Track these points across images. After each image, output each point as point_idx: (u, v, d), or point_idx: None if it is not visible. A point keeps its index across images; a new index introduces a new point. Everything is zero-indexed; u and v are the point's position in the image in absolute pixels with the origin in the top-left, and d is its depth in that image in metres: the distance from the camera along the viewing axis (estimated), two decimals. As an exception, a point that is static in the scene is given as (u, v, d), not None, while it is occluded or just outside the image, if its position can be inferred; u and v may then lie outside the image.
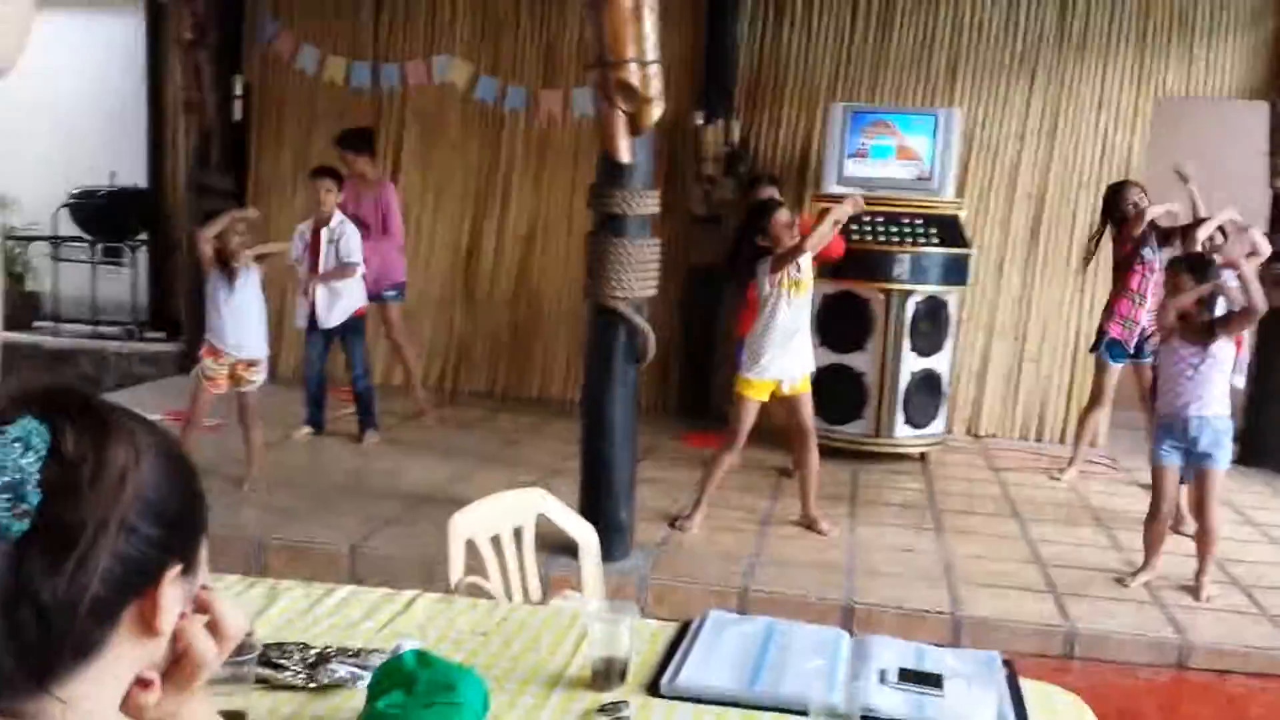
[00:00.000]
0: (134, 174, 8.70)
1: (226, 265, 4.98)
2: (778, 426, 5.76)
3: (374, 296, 6.48)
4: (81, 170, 8.48)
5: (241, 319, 5.02)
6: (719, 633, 2.01)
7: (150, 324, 8.57)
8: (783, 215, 4.82)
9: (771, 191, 6.06)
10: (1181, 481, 4.69)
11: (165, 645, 0.91)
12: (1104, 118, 7.23)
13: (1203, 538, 4.47)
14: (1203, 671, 3.97)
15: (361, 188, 6.47)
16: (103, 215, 8.45)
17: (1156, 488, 4.51)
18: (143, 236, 8.61)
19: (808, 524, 5.03)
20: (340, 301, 5.94)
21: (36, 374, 7.72)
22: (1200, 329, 4.30)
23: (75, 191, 8.42)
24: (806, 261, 4.79)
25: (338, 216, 5.89)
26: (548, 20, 7.63)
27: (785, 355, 4.80)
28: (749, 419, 4.87)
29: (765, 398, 4.88)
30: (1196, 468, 4.43)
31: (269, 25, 7.88)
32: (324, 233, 5.87)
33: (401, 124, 7.78)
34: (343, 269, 5.86)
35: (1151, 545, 4.56)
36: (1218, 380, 4.30)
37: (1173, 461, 4.45)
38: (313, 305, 5.91)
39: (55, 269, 8.65)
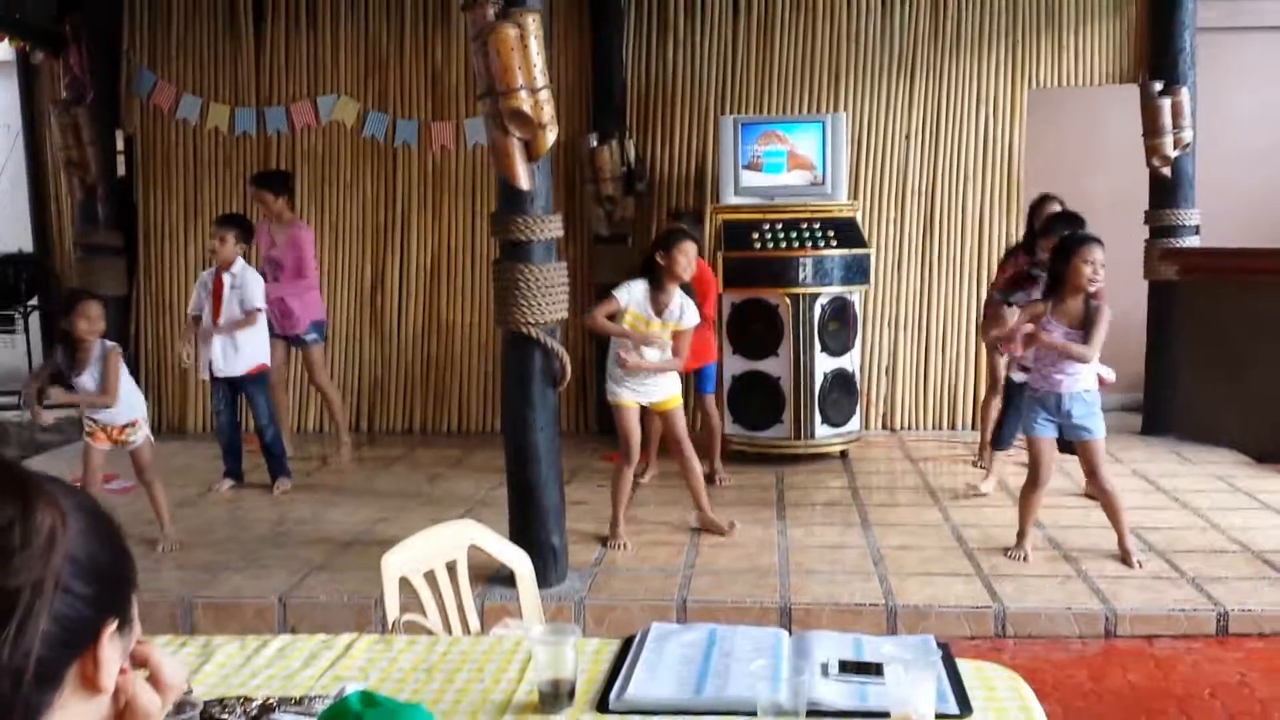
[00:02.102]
0: (18, 238, 8.45)
1: (72, 352, 4.81)
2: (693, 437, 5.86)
3: (294, 339, 6.41)
4: (-38, 239, 8.22)
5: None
6: (662, 644, 2.02)
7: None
8: (689, 247, 4.86)
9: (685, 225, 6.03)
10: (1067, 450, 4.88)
11: (108, 702, 0.90)
12: (983, 113, 7.46)
13: (1107, 503, 4.64)
14: (1130, 638, 4.09)
15: (275, 229, 6.42)
16: (-11, 283, 8.20)
17: (1032, 458, 4.68)
18: (33, 302, 8.36)
19: (706, 527, 5.11)
20: (242, 351, 5.81)
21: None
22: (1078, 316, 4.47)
23: (-42, 262, 8.16)
24: (673, 322, 4.88)
25: (240, 263, 5.80)
26: (431, 52, 7.62)
27: (642, 381, 4.90)
28: (633, 427, 4.93)
29: (637, 405, 4.95)
30: (1077, 443, 4.60)
31: (147, 77, 7.74)
32: (225, 278, 5.79)
33: (292, 166, 7.69)
34: (246, 317, 5.76)
35: (1025, 515, 4.74)
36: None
37: (1047, 433, 4.61)
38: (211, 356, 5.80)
39: (-57, 343, 8.37)
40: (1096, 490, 4.69)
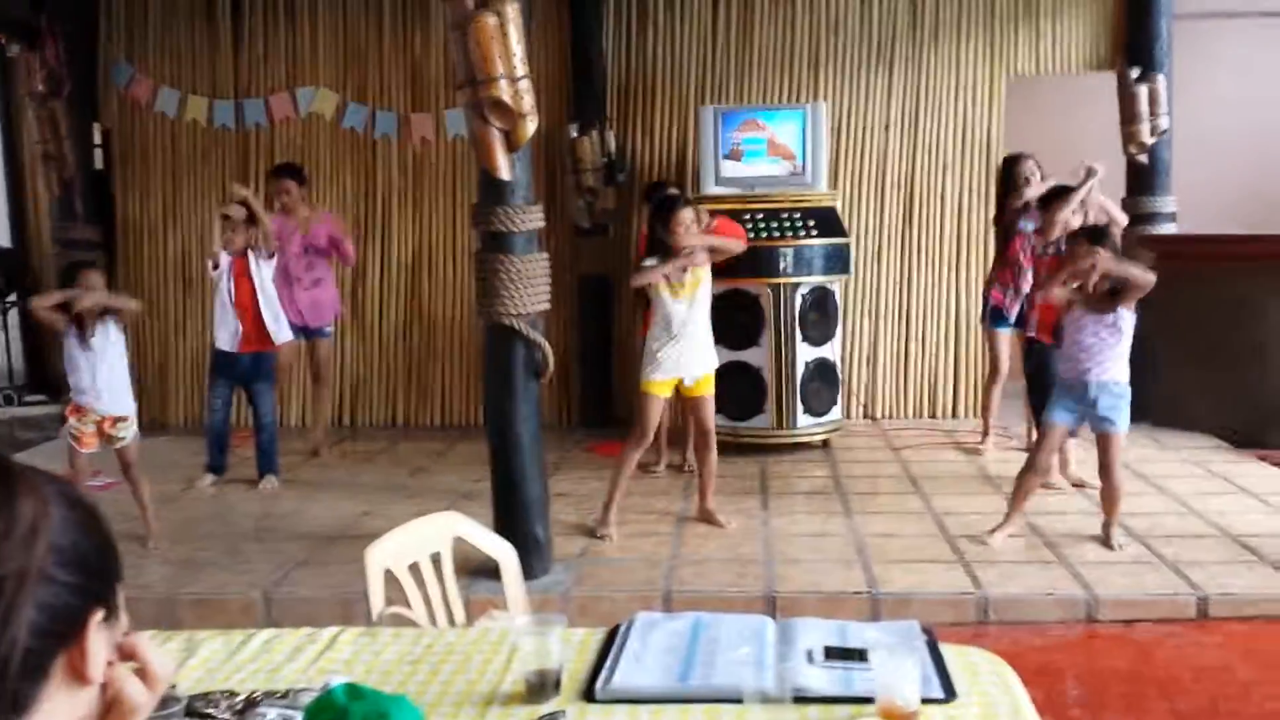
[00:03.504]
0: (-6, 234, 8.39)
1: (79, 323, 4.81)
2: (675, 426, 5.88)
3: (313, 331, 6.39)
4: (-62, 235, 8.15)
5: (102, 374, 4.84)
6: (648, 633, 2.03)
7: (28, 387, 8.25)
8: (684, 215, 4.85)
9: (674, 190, 6.09)
10: (1072, 435, 4.89)
11: (96, 694, 0.90)
12: (961, 101, 7.48)
13: (1109, 496, 4.66)
14: (1111, 623, 4.12)
15: (307, 218, 6.38)
16: (-35, 279, 8.13)
17: (1040, 442, 4.68)
18: (11, 297, 8.29)
19: (706, 519, 5.12)
20: (279, 323, 5.82)
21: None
22: (1104, 298, 4.49)
23: (-67, 257, 8.09)
24: (698, 268, 4.88)
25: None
26: (410, 43, 7.59)
27: (679, 352, 4.87)
28: (654, 415, 4.92)
29: (668, 394, 4.94)
30: (1098, 433, 4.60)
31: (124, 70, 7.68)
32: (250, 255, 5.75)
33: (271, 159, 7.63)
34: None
35: (1018, 498, 4.74)
36: (1120, 347, 4.50)
37: (1064, 421, 4.62)
38: (246, 329, 5.73)
39: (-81, 339, 8.29)
40: (1104, 484, 4.67)
